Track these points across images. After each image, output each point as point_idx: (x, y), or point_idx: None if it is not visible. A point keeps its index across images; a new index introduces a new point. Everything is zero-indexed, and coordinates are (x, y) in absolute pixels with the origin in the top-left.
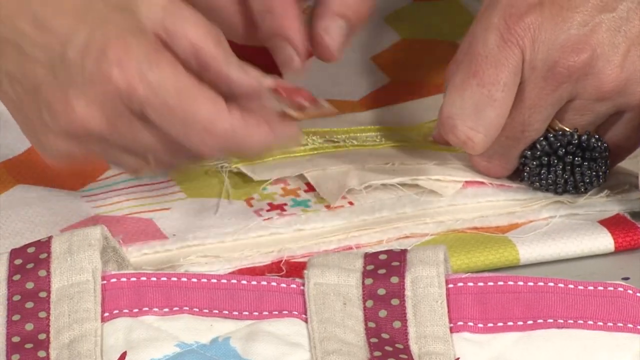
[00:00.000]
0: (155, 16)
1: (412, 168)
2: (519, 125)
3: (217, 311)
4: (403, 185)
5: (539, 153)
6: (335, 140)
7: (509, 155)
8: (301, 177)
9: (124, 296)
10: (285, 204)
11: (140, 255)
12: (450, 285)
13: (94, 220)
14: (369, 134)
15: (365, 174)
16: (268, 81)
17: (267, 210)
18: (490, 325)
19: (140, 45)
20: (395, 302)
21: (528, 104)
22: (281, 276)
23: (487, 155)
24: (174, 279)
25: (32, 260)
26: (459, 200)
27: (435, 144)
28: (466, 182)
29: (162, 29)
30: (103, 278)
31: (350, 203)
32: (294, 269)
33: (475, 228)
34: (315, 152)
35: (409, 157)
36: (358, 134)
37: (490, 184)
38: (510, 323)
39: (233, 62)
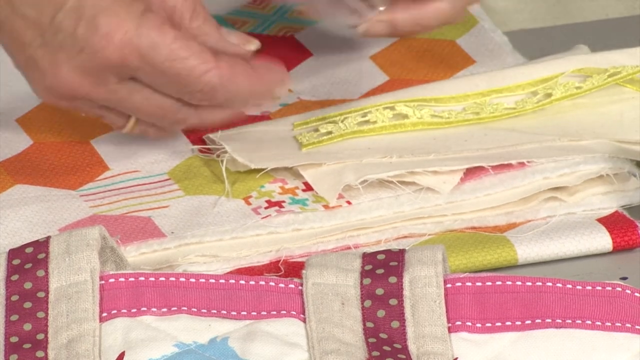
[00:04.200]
0: None
1: (410, 161)
2: None
3: (215, 311)
4: (401, 183)
5: None
6: (335, 121)
7: None
8: (299, 176)
9: (122, 296)
10: (283, 201)
11: (138, 254)
12: (449, 285)
13: (92, 220)
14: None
15: (362, 168)
16: (251, 47)
17: (265, 208)
18: (489, 325)
19: (130, 14)
20: (393, 302)
21: None
22: (279, 276)
23: None
24: (172, 279)
25: (30, 261)
26: (457, 197)
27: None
28: (463, 176)
29: None
30: (101, 278)
31: (348, 202)
32: (292, 269)
33: (474, 228)
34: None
35: (407, 150)
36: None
37: (489, 168)
38: (509, 323)
39: (208, 32)
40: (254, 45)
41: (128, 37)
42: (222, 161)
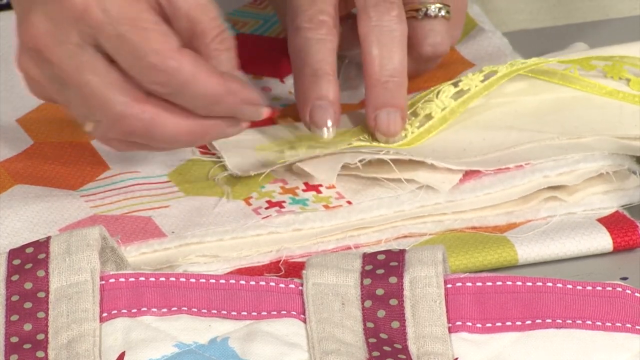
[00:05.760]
0: None
1: (407, 156)
2: None
3: (215, 311)
4: (400, 181)
5: None
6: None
7: None
8: (299, 176)
9: (123, 296)
10: (284, 202)
11: (138, 254)
12: (449, 285)
13: (92, 220)
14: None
15: (359, 155)
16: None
17: (266, 208)
18: (489, 325)
19: None
20: (393, 302)
21: None
22: (280, 276)
23: None
24: (173, 279)
25: (30, 261)
26: (456, 196)
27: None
28: (462, 177)
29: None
30: (101, 278)
31: (349, 202)
32: (293, 269)
33: (474, 227)
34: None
35: (403, 153)
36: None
37: (487, 172)
38: (509, 323)
39: (223, 62)
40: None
41: None
42: (223, 166)
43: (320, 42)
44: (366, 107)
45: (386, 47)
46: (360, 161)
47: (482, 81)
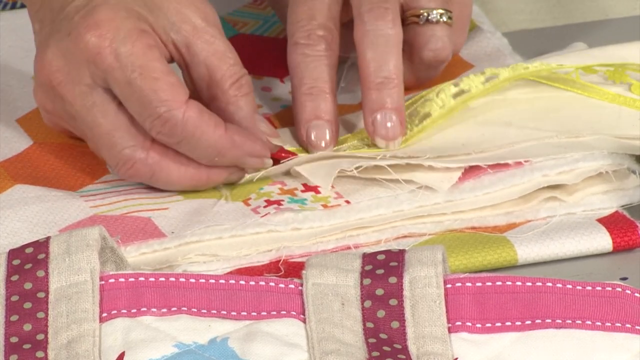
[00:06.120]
0: (184, 31)
1: (404, 158)
2: None
3: (215, 311)
4: (398, 181)
5: None
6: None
7: None
8: (298, 178)
9: (122, 296)
10: (282, 200)
11: (138, 254)
12: (449, 286)
13: (92, 220)
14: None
15: (357, 160)
16: (274, 144)
17: (264, 207)
18: (489, 325)
19: (127, 20)
20: (393, 302)
21: None
22: (279, 276)
23: None
24: (172, 279)
25: (30, 261)
26: (456, 196)
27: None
28: (462, 176)
29: (185, 46)
30: (101, 278)
31: (347, 202)
32: (293, 269)
33: (474, 228)
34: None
35: (401, 152)
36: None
37: (487, 167)
38: (509, 323)
39: (243, 107)
40: (278, 141)
41: (113, 33)
42: None
43: (317, 60)
44: (363, 112)
45: (380, 51)
46: (356, 168)
47: (483, 83)
